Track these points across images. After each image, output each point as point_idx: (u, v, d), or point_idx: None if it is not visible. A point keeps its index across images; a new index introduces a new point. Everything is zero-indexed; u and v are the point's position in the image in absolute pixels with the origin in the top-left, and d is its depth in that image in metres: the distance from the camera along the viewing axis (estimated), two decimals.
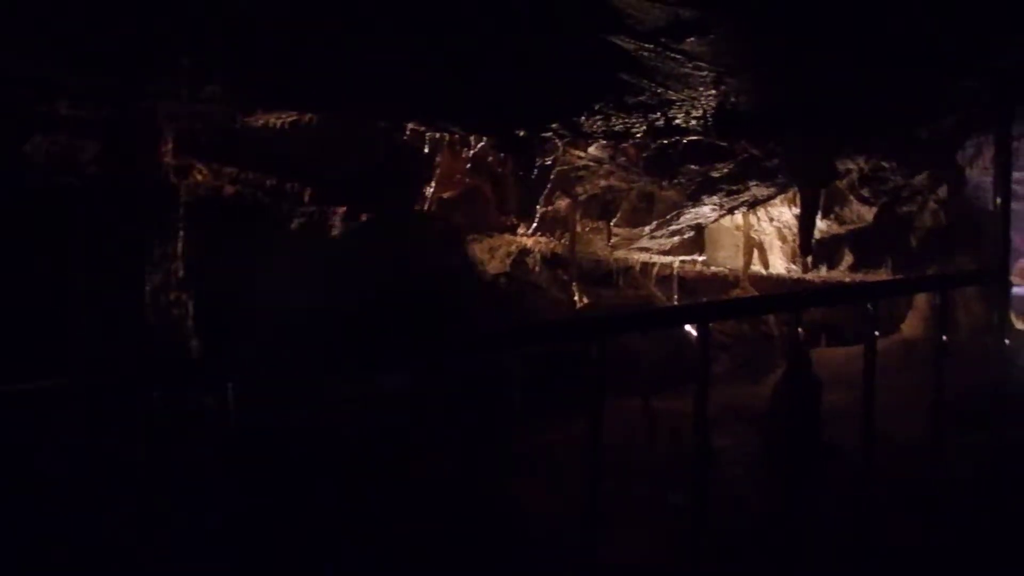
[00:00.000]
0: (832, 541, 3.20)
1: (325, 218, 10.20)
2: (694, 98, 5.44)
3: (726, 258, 13.06)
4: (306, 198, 9.02)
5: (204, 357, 5.66)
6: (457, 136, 8.57)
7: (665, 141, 7.40)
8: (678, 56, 4.58)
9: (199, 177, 6.89)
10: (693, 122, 6.00)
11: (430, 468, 6.51)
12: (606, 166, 10.50)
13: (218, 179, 7.39)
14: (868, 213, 9.82)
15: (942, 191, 10.03)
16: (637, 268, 15.44)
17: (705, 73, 4.90)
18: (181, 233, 5.69)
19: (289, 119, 6.78)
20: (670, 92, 5.37)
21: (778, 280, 12.18)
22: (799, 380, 6.78)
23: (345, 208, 10.15)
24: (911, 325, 10.99)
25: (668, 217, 11.72)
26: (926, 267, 10.14)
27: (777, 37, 4.15)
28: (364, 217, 10.45)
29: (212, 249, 8.10)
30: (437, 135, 8.42)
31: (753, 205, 11.04)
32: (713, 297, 17.10)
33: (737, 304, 6.08)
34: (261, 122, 6.55)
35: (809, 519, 4.33)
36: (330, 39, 4.68)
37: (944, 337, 2.78)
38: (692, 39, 4.17)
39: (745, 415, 8.54)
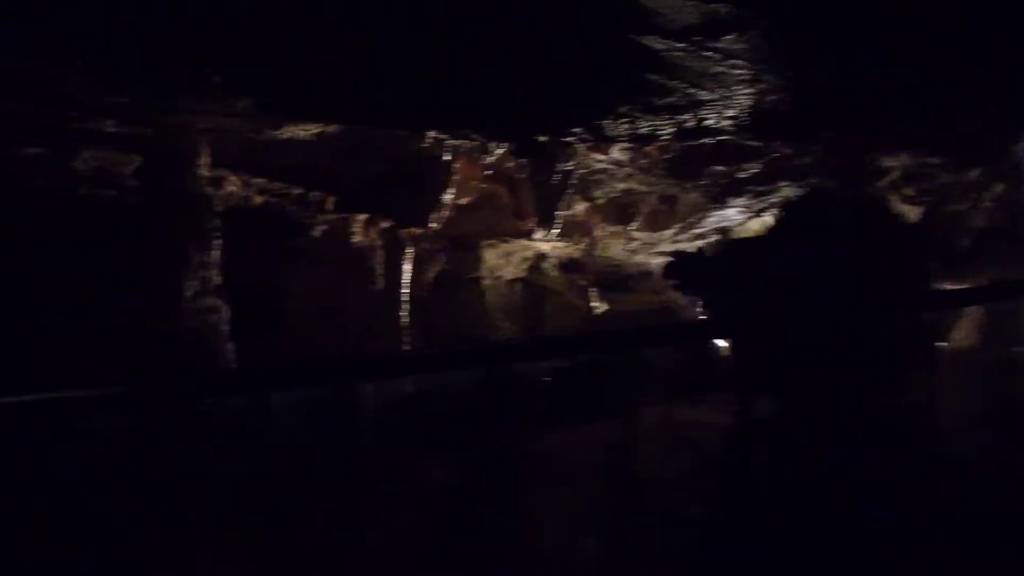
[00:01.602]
0: None
1: (347, 225, 10.29)
2: (728, 97, 5.45)
3: None
4: (329, 206, 9.10)
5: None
6: (475, 143, 8.61)
7: (692, 143, 7.40)
8: (713, 55, 4.59)
9: (231, 188, 6.96)
10: (726, 122, 6.01)
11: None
12: (626, 169, 10.45)
13: (247, 189, 7.47)
14: (911, 213, 9.45)
15: (998, 188, 9.42)
16: (658, 273, 15.36)
17: (740, 71, 4.91)
18: (217, 242, 5.75)
19: (315, 130, 6.84)
20: (702, 92, 5.39)
21: None
22: None
23: (366, 215, 10.25)
24: (962, 335, 10.33)
25: (691, 220, 11.67)
26: (978, 271, 9.61)
27: (819, 31, 4.15)
28: (383, 224, 10.55)
29: (243, 256, 8.19)
30: (456, 142, 8.46)
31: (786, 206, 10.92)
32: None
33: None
34: (288, 134, 6.61)
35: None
36: (354, 54, 4.74)
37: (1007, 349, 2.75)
38: (729, 36, 4.19)
39: None
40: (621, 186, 11.25)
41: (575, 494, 5.25)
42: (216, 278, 5.66)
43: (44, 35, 4.12)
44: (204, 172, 5.57)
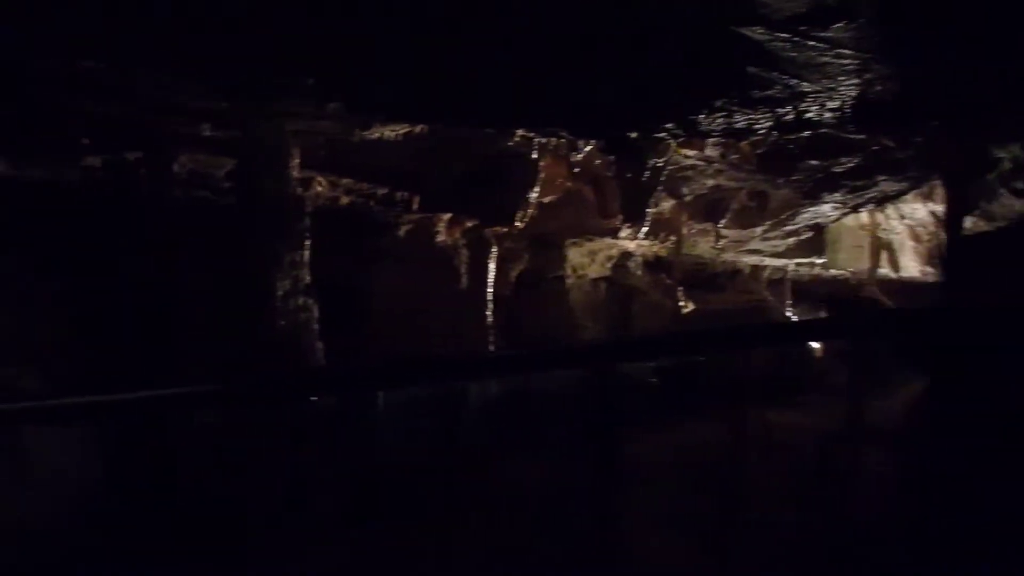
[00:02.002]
0: None
1: (431, 224, 10.33)
2: (831, 89, 5.17)
3: (847, 260, 12.43)
4: (414, 206, 9.13)
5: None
6: (563, 140, 8.46)
7: (788, 136, 7.10)
8: (819, 44, 4.34)
9: (319, 188, 7.04)
10: (828, 115, 5.72)
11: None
12: (715, 165, 10.17)
13: (334, 190, 7.54)
14: (1019, 206, 8.91)
15: None
16: (747, 271, 14.98)
17: (847, 61, 4.64)
18: (307, 241, 5.82)
19: (402, 131, 6.84)
20: (804, 84, 5.12)
21: (911, 284, 11.41)
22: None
23: (450, 215, 10.25)
24: None
25: (783, 217, 11.29)
26: None
27: (936, 15, 3.87)
28: (468, 223, 10.53)
29: (329, 256, 8.30)
30: (543, 140, 8.33)
31: (881, 202, 10.50)
32: (831, 301, 16.35)
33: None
34: (376, 135, 6.62)
35: None
36: (447, 54, 4.67)
37: None
38: (838, 24, 3.94)
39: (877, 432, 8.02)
40: (710, 183, 10.96)
41: (673, 496, 5.11)
42: (306, 278, 5.71)
43: (148, 44, 4.21)
44: (295, 173, 5.62)
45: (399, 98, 5.23)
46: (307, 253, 5.74)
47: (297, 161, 5.60)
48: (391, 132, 6.58)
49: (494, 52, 4.71)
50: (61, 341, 6.30)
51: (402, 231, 10.26)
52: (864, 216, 10.91)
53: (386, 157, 7.39)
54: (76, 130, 5.05)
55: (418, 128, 6.85)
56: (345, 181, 7.53)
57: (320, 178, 7.08)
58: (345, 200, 8.04)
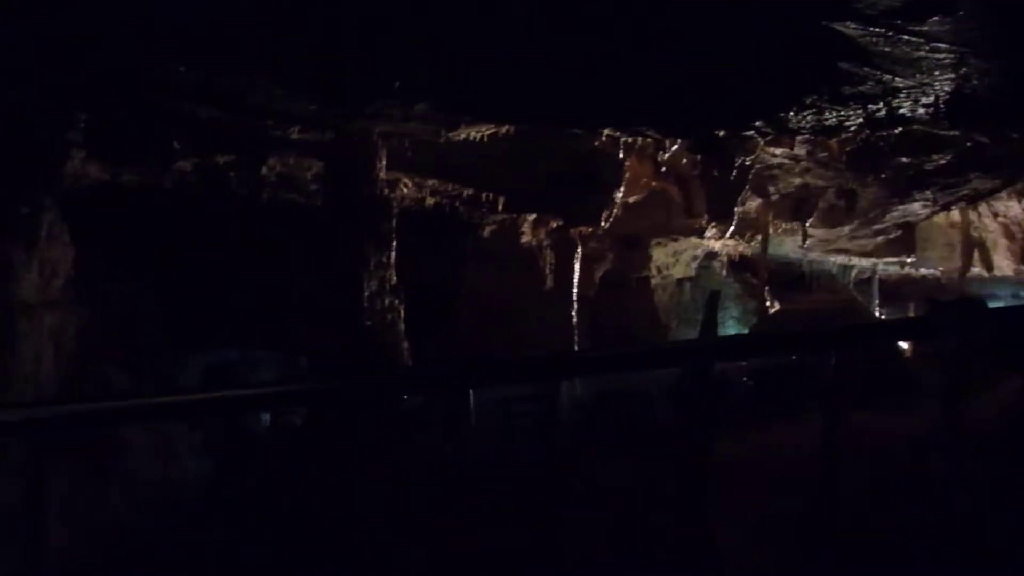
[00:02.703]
0: None
1: (516, 225, 10.41)
2: (925, 84, 5.00)
3: (938, 259, 11.97)
4: (500, 206, 9.23)
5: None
6: (649, 140, 8.40)
7: (878, 133, 6.90)
8: (914, 39, 4.21)
9: (405, 190, 7.20)
10: (921, 110, 5.53)
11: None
12: (803, 163, 9.95)
13: (420, 191, 7.70)
14: None
15: None
16: (834, 271, 14.58)
17: (943, 55, 4.49)
18: (394, 243, 5.95)
19: (488, 132, 6.92)
20: (897, 79, 4.97)
21: (1005, 282, 11.00)
22: None
23: (535, 215, 10.31)
24: None
25: (871, 215, 10.96)
26: None
27: None
28: (553, 223, 10.57)
29: (415, 256, 8.47)
30: (629, 139, 8.29)
31: (973, 200, 10.08)
32: (919, 301, 15.81)
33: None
34: (463, 136, 6.72)
35: None
36: (531, 54, 4.72)
37: None
38: (935, 18, 3.82)
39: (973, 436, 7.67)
40: (797, 181, 10.72)
41: (765, 500, 5.02)
42: (393, 278, 5.85)
43: (246, 51, 4.41)
44: (382, 175, 5.76)
45: (483, 99, 5.30)
46: (393, 254, 5.87)
47: (384, 163, 5.74)
48: (477, 133, 6.67)
49: (577, 50, 4.74)
50: (150, 340, 6.58)
51: (487, 231, 10.39)
52: (955, 214, 10.46)
53: (473, 158, 7.50)
54: (168, 133, 5.23)
55: (504, 129, 6.93)
56: (431, 182, 7.67)
57: (406, 179, 7.23)
58: (431, 201, 8.20)
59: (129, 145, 5.49)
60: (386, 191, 6.00)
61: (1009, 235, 10.55)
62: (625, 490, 5.64)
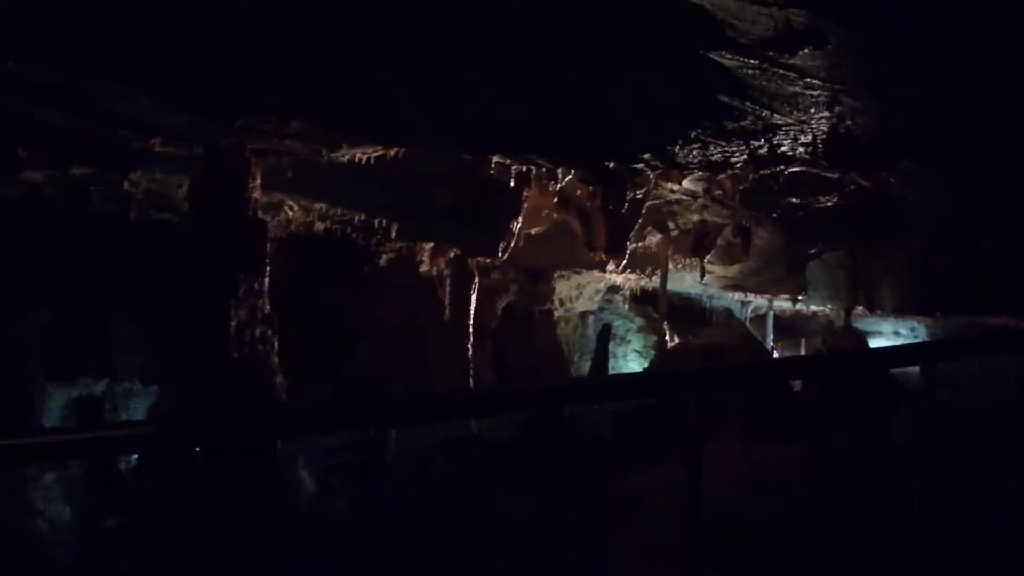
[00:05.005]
0: None
1: (414, 254, 10.17)
2: (803, 122, 5.06)
3: (827, 297, 12.39)
4: (393, 234, 8.97)
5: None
6: (544, 169, 8.34)
7: (765, 172, 7.00)
8: (788, 73, 4.23)
9: (290, 213, 6.87)
10: (801, 149, 5.61)
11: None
12: (700, 200, 10.10)
13: (308, 215, 7.38)
14: None
15: None
16: (732, 307, 14.87)
17: (817, 92, 4.53)
18: (268, 268, 5.59)
19: (375, 154, 6.70)
20: (776, 116, 5.01)
21: (887, 320, 11.44)
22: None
23: (432, 244, 10.10)
24: None
25: (766, 253, 11.23)
26: None
27: (912, 43, 3.74)
28: (451, 253, 10.38)
29: (306, 285, 8.10)
30: (524, 168, 8.21)
31: (859, 242, 10.42)
32: (811, 337, 16.34)
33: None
34: (347, 157, 6.48)
35: None
36: (417, 74, 4.55)
37: None
38: (805, 51, 3.82)
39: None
40: (695, 218, 10.90)
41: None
42: (266, 306, 5.49)
43: (106, 53, 4.08)
44: (256, 195, 5.44)
45: (363, 118, 5.09)
46: (267, 280, 5.51)
47: (258, 182, 5.42)
48: (363, 155, 6.43)
49: (462, 73, 4.60)
50: (15, 371, 6.07)
51: (384, 259, 10.11)
52: (843, 254, 10.88)
53: (363, 182, 7.25)
54: (10, 138, 4.77)
55: (393, 152, 6.72)
56: (319, 205, 7.36)
57: (291, 202, 6.90)
58: (320, 226, 7.87)
59: None
60: (260, 213, 5.67)
61: (890, 276, 10.98)
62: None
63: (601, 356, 9.31)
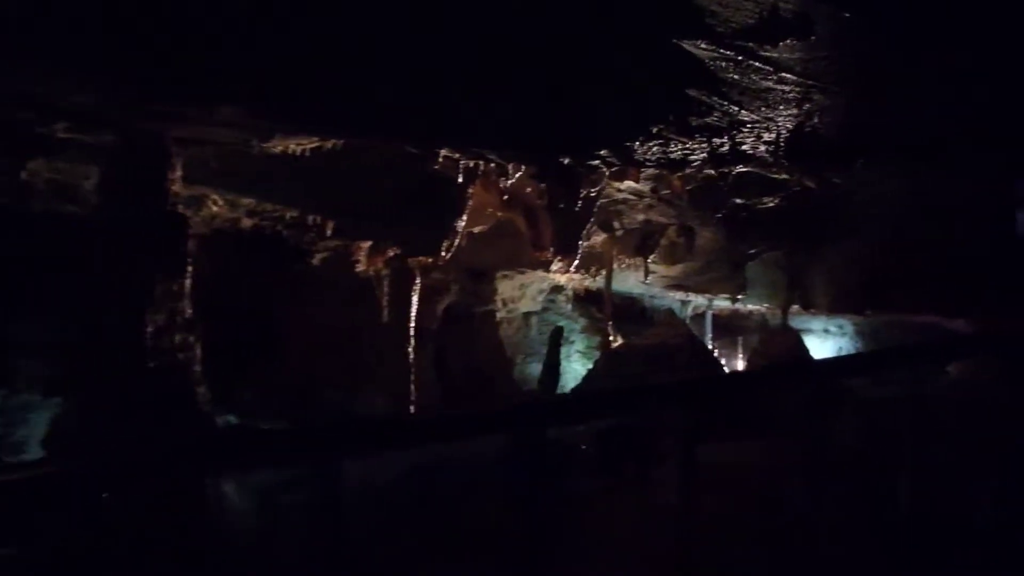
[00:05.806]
0: None
1: (350, 253, 9.66)
2: (769, 119, 4.78)
3: (765, 296, 12.41)
4: (328, 231, 8.47)
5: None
6: (493, 165, 7.94)
7: (714, 172, 6.74)
8: (764, 66, 3.93)
9: (215, 208, 6.31)
10: (763, 147, 5.35)
11: None
12: (647, 199, 9.92)
13: (235, 210, 6.81)
14: None
15: None
16: (673, 306, 14.74)
17: (789, 88, 4.25)
18: (189, 268, 5.03)
19: (311, 145, 6.20)
20: (743, 112, 4.72)
21: (819, 318, 11.52)
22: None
23: (370, 243, 9.61)
24: None
25: (708, 253, 11.12)
26: None
27: (900, 36, 3.46)
28: (391, 252, 9.91)
29: (233, 284, 7.50)
30: (472, 164, 7.80)
31: (804, 241, 10.36)
32: (747, 335, 16.39)
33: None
34: (280, 148, 5.96)
35: None
36: (354, 51, 4.09)
37: None
38: (787, 42, 3.51)
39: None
40: (641, 217, 10.71)
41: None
42: (187, 310, 4.94)
43: None
44: (176, 188, 4.88)
45: (300, 104, 4.58)
46: (188, 282, 4.96)
47: (179, 174, 4.87)
48: (297, 146, 5.93)
49: (400, 53, 4.15)
50: None
51: (318, 258, 9.60)
52: (781, 254, 10.93)
53: (296, 176, 6.73)
54: None
55: (330, 143, 6.24)
56: (247, 201, 6.79)
57: (215, 196, 6.33)
58: (248, 222, 7.30)
59: None
60: (182, 208, 5.11)
61: (826, 275, 11.07)
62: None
63: (554, 358, 8.97)
